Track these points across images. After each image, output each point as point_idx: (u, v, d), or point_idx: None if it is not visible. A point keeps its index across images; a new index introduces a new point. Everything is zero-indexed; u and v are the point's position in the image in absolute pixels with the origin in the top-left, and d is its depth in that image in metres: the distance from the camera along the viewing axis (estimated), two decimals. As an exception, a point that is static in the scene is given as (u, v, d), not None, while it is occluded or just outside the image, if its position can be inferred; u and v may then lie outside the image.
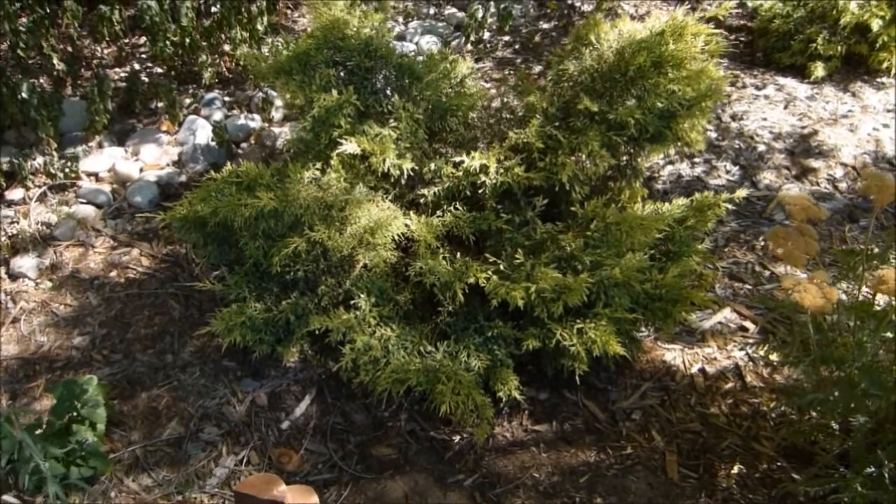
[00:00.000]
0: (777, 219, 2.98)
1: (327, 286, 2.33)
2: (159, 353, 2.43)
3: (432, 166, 2.46)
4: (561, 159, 2.35)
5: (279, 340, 2.31)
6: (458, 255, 2.33)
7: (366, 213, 2.30)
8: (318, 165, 2.37)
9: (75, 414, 1.98)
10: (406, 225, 2.35)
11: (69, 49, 3.82)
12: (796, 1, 3.78)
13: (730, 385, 2.35)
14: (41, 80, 3.62)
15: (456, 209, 2.39)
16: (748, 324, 2.55)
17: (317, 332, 2.25)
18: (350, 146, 2.30)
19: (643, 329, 2.47)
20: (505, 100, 2.74)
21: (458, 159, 2.42)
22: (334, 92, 2.42)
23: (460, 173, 2.42)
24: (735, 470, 2.08)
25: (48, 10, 3.49)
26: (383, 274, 2.35)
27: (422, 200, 2.48)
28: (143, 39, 3.93)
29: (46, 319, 2.51)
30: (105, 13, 3.48)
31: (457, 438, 2.21)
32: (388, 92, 2.62)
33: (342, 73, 2.59)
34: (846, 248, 2.24)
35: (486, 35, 4.11)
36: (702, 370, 2.40)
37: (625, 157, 2.65)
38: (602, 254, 2.25)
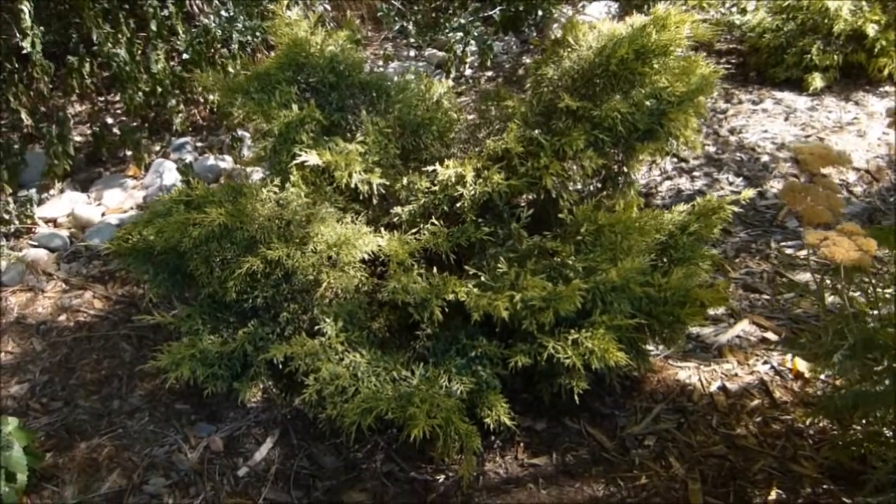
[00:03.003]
0: (790, 226, 2.72)
1: (290, 312, 2.07)
2: (105, 398, 2.15)
3: (405, 181, 2.25)
4: (544, 161, 2.14)
5: (236, 376, 2.04)
6: (435, 269, 2.09)
7: (330, 229, 2.08)
8: (277, 181, 2.16)
9: (-9, 464, 1.70)
10: (378, 245, 2.11)
11: (41, 107, 3.71)
12: (786, 14, 3.64)
13: (756, 402, 2.04)
14: (13, 137, 3.49)
15: (433, 225, 2.16)
16: (770, 335, 2.26)
17: (279, 364, 1.98)
18: (311, 157, 2.10)
19: (650, 346, 2.18)
20: (482, 107, 2.56)
21: (431, 169, 2.21)
22: (295, 107, 2.24)
23: (436, 188, 2.20)
24: (773, 496, 1.75)
25: (17, 66, 3.40)
26: (353, 298, 2.10)
27: (396, 220, 2.25)
28: (118, 96, 3.82)
29: (-17, 369, 2.26)
30: (73, 64, 3.38)
31: (441, 478, 1.90)
32: (356, 109, 2.44)
33: (305, 91, 2.42)
34: (879, 227, 1.97)
35: (469, 71, 3.99)
36: (722, 388, 2.10)
37: (616, 165, 2.44)
38: (596, 258, 2.00)
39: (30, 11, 3.21)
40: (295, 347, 1.93)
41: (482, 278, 2.03)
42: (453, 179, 2.16)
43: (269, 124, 2.23)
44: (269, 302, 2.08)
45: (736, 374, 2.14)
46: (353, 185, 2.14)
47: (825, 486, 1.75)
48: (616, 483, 1.83)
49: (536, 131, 2.17)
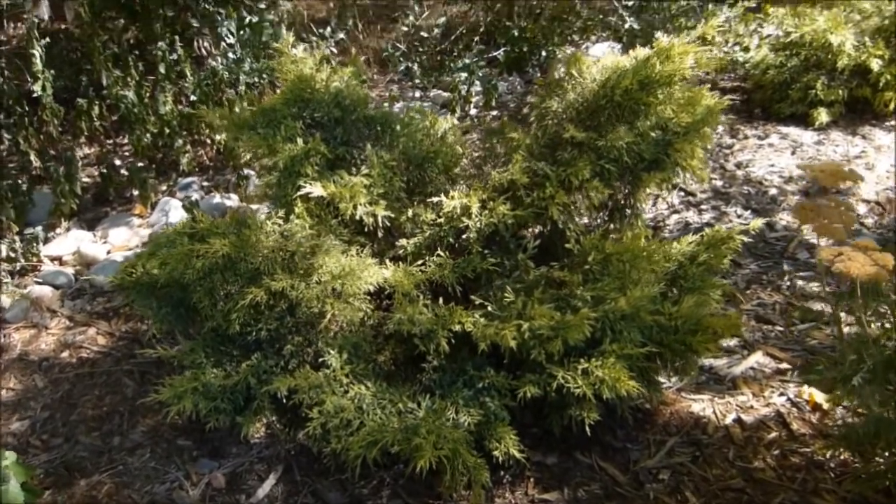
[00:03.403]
0: (801, 258, 2.69)
1: (294, 345, 2.04)
2: (105, 434, 2.11)
3: (410, 213, 2.24)
4: (549, 192, 2.13)
5: (239, 410, 2.00)
6: (441, 302, 2.05)
7: (334, 261, 2.06)
8: (282, 213, 2.15)
9: (-14, 500, 1.65)
10: (383, 277, 2.09)
11: (50, 150, 3.75)
12: (789, 51, 3.67)
13: (773, 435, 1.98)
14: (21, 179, 3.52)
15: (438, 256, 2.14)
16: (785, 366, 2.21)
17: (283, 398, 1.94)
18: (315, 189, 2.09)
19: (663, 378, 2.13)
20: (487, 145, 2.56)
21: (436, 200, 2.20)
22: (300, 141, 2.24)
23: (441, 220, 2.19)
24: (793, 530, 1.68)
25: (27, 109, 3.45)
26: (358, 331, 2.07)
27: (401, 252, 2.23)
28: (126, 139, 3.87)
29: (-16, 407, 2.23)
30: (82, 106, 3.42)
31: (449, 514, 1.84)
32: (361, 144, 2.45)
33: (311, 126, 2.42)
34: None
35: (473, 111, 4.02)
36: (738, 420, 2.04)
37: (622, 197, 2.43)
38: (604, 287, 1.97)
39: (41, 56, 3.27)
40: (299, 380, 1.90)
41: (489, 308, 2.00)
42: (458, 211, 2.15)
43: (275, 157, 2.23)
44: (273, 335, 2.05)
45: (751, 407, 2.08)
46: (357, 218, 2.13)
47: (849, 521, 1.69)
48: (630, 518, 1.77)
49: (542, 163, 2.16)
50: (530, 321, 1.86)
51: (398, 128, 2.46)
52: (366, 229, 2.20)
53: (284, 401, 1.95)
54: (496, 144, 2.54)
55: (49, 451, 2.06)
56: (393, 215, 2.19)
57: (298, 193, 2.08)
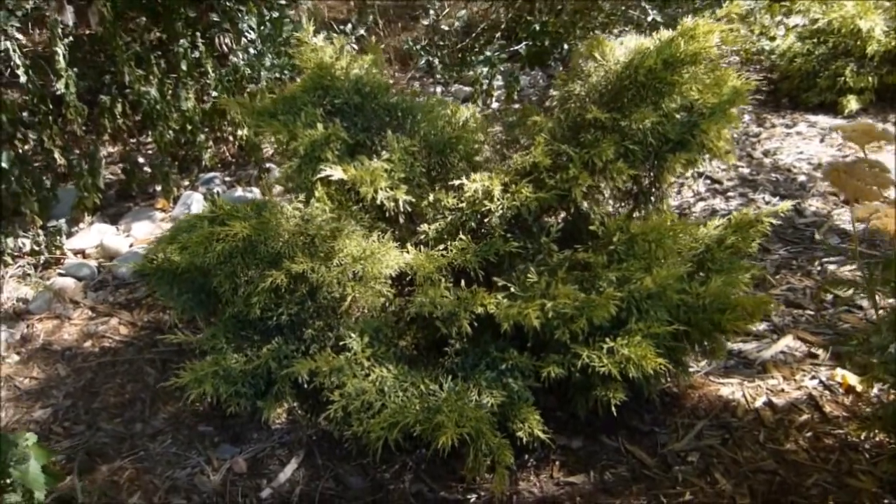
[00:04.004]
0: (831, 242, 2.62)
1: (315, 330, 2.03)
2: (127, 421, 2.11)
3: (431, 198, 2.21)
4: (573, 173, 2.09)
5: (260, 394, 1.99)
6: (464, 285, 2.03)
7: (355, 244, 2.04)
8: (302, 197, 2.14)
9: (8, 481, 1.65)
10: (405, 261, 2.07)
11: (75, 149, 3.79)
12: (816, 38, 3.60)
13: (805, 417, 1.92)
14: (46, 176, 3.56)
15: (460, 241, 2.11)
16: (816, 350, 2.14)
17: (304, 383, 1.92)
18: (336, 172, 2.08)
19: (691, 362, 2.08)
20: (509, 137, 2.53)
21: (457, 183, 2.17)
22: (320, 126, 2.23)
23: (463, 204, 2.16)
24: (829, 512, 1.62)
25: (51, 108, 3.49)
26: (379, 315, 2.05)
27: (423, 238, 2.21)
28: (149, 137, 3.90)
29: (8, 394, 2.23)
30: (105, 103, 3.46)
31: (473, 498, 1.80)
32: (381, 131, 2.44)
33: (331, 114, 2.41)
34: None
35: (495, 104, 4.00)
36: (768, 403, 1.98)
37: (647, 181, 2.38)
38: (629, 268, 1.93)
39: (64, 54, 3.30)
40: (320, 363, 1.88)
41: (512, 290, 1.96)
42: (480, 194, 2.12)
43: (295, 143, 2.22)
44: (294, 319, 2.04)
45: (782, 390, 2.02)
46: (378, 202, 2.11)
47: (886, 501, 1.62)
48: (658, 500, 1.71)
49: (564, 145, 2.13)
50: (554, 301, 1.82)
51: (419, 115, 2.44)
52: (387, 215, 2.18)
53: (305, 385, 1.93)
54: (519, 135, 2.52)
55: (71, 437, 2.06)
56: (414, 200, 2.17)
57: (319, 176, 2.07)
